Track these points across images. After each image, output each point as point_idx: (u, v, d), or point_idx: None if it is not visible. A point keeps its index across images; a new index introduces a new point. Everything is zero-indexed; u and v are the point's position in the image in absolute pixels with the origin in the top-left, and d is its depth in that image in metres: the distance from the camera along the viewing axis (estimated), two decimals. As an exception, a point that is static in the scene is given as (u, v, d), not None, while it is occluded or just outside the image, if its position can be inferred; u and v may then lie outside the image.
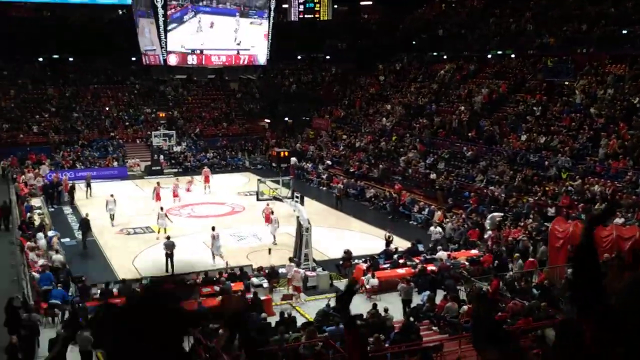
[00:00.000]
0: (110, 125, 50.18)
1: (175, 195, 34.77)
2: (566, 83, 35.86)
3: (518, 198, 29.01)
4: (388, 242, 25.52)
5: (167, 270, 24.14)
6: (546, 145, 32.05)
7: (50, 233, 26.45)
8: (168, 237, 25.31)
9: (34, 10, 59.65)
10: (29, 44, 51.65)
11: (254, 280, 21.41)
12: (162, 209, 29.29)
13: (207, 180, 38.57)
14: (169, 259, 24.53)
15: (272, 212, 28.55)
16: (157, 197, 33.11)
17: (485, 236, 25.96)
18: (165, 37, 25.88)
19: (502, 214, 27.86)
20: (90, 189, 36.65)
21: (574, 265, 2.82)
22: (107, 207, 30.90)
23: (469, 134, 37.35)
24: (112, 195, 31.49)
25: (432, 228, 27.52)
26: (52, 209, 33.72)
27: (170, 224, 28.79)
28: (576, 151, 30.49)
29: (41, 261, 22.22)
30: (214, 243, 25.10)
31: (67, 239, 27.89)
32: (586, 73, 35.25)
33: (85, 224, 27.80)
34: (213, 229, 25.49)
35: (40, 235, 25.22)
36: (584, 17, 38.30)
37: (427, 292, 19.78)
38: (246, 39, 30.21)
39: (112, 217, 30.90)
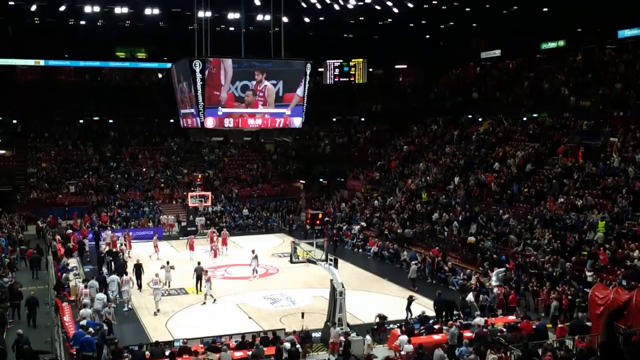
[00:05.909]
0: (147, 186, 50.81)
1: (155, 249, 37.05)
2: (603, 146, 35.47)
3: (554, 262, 28.49)
4: (409, 301, 25.25)
5: (197, 291, 29.17)
6: (584, 208, 31.58)
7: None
8: (199, 263, 30.60)
9: (76, 74, 61.44)
10: (70, 107, 53.09)
11: (287, 344, 21.11)
12: (168, 262, 30.56)
13: (224, 242, 39.12)
14: (198, 282, 29.32)
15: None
16: (191, 247, 36.94)
17: (493, 293, 26.38)
18: (203, 101, 26.25)
19: (504, 269, 28.95)
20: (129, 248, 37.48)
21: None
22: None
23: (505, 197, 36.99)
24: (168, 263, 30.94)
25: (470, 295, 26.80)
26: (88, 270, 33.52)
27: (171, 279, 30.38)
28: (615, 215, 29.96)
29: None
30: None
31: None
32: (623, 136, 34.89)
33: (138, 268, 30.32)
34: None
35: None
36: (620, 79, 38.11)
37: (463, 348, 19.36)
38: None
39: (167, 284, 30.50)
